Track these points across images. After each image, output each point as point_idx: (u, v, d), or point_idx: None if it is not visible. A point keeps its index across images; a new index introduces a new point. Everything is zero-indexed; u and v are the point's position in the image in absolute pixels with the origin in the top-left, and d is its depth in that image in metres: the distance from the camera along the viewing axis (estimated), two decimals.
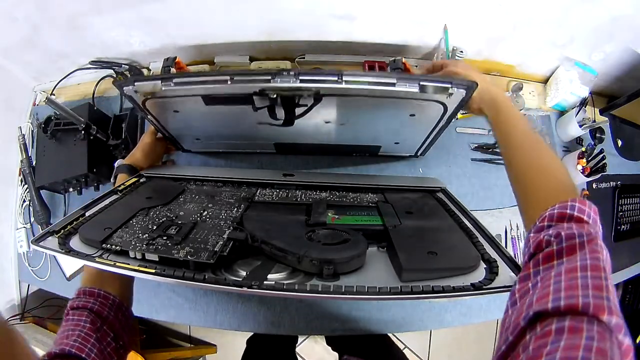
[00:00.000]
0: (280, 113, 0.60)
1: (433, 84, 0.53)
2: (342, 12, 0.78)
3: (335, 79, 0.52)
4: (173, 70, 0.66)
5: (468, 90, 0.54)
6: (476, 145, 0.90)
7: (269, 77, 0.52)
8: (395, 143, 0.78)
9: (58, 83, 0.96)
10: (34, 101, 1.01)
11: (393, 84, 0.53)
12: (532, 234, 0.39)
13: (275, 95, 0.54)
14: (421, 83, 0.53)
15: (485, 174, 0.88)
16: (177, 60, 0.65)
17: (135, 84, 0.57)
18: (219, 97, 0.59)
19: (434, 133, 0.71)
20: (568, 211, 0.37)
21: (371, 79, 0.53)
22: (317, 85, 0.53)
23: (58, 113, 0.78)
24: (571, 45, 0.85)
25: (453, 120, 0.66)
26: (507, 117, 0.54)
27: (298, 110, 0.60)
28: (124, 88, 0.58)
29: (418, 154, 0.83)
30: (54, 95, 0.98)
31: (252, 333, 0.97)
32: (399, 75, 0.53)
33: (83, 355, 0.43)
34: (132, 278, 0.58)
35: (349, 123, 0.69)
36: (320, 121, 0.67)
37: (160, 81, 0.55)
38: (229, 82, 0.53)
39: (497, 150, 0.89)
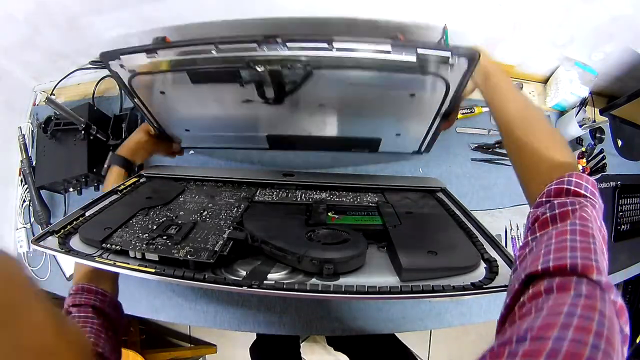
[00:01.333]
0: (270, 92, 0.59)
1: (432, 51, 0.50)
2: (342, 11, 0.78)
3: (326, 45, 0.49)
4: None
5: (471, 61, 0.50)
6: (476, 145, 0.90)
7: (255, 45, 0.50)
8: (397, 135, 0.73)
9: (58, 83, 0.96)
10: (34, 101, 1.01)
11: (388, 52, 0.50)
12: (531, 210, 0.40)
13: (262, 69, 0.52)
14: (419, 51, 0.49)
15: (485, 174, 0.88)
16: (166, 40, 0.64)
17: (121, 56, 0.56)
18: (206, 72, 0.57)
19: (437, 120, 0.66)
20: (565, 186, 0.37)
21: (364, 45, 0.50)
22: (306, 53, 0.50)
23: (58, 113, 0.78)
24: (571, 45, 0.85)
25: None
26: (497, 83, 0.52)
27: (290, 95, 0.59)
28: (110, 62, 0.57)
29: (422, 150, 0.77)
30: (54, 95, 0.98)
31: (251, 339, 0.96)
32: (395, 42, 0.49)
33: (99, 351, 0.43)
34: (117, 275, 0.58)
35: (344, 107, 0.66)
36: (313, 104, 0.64)
37: (145, 53, 0.54)
38: (213, 52, 0.51)
39: (497, 150, 0.89)
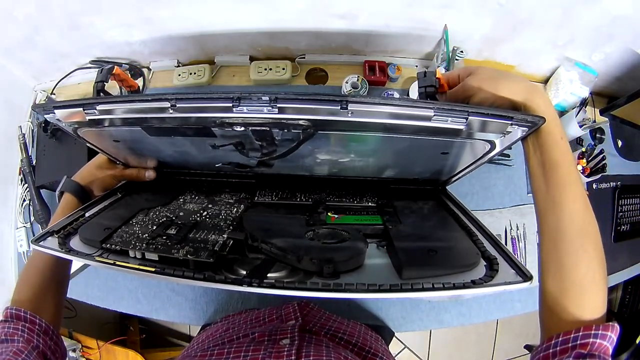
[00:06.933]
0: (255, 152, 0.49)
1: (488, 119, 0.38)
2: (343, 11, 0.78)
3: (337, 108, 0.36)
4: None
5: (531, 129, 0.40)
6: None
7: (229, 105, 0.37)
8: (414, 179, 0.66)
9: (58, 82, 0.96)
10: (34, 100, 1.01)
11: (428, 118, 0.38)
12: (542, 348, 0.36)
13: (242, 128, 0.40)
14: (470, 118, 0.38)
15: (485, 174, 0.88)
16: (115, 71, 0.52)
17: (56, 111, 0.46)
18: (165, 128, 0.46)
19: (468, 169, 0.58)
20: (606, 342, 0.34)
21: (392, 109, 0.37)
22: (306, 117, 0.38)
23: None
24: (571, 45, 0.85)
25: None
26: (559, 162, 0.40)
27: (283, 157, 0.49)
28: (46, 117, 0.48)
29: (440, 188, 0.70)
30: (54, 94, 0.98)
31: None
32: (438, 105, 0.37)
33: None
34: (63, 299, 0.57)
35: (354, 160, 0.56)
36: (311, 158, 0.55)
37: (82, 108, 0.44)
38: (170, 111, 0.40)
39: None
